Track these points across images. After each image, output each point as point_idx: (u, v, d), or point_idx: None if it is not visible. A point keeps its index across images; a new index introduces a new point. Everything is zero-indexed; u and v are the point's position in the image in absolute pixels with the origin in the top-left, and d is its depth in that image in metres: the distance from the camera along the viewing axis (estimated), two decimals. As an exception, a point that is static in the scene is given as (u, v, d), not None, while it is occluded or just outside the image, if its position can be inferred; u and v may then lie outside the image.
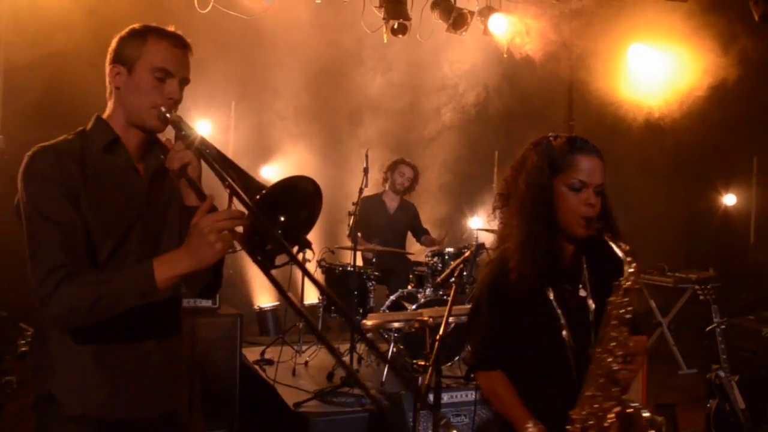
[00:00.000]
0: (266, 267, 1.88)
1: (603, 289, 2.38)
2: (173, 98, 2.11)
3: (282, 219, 1.95)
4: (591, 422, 2.23)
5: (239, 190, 1.88)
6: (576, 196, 2.31)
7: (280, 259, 1.96)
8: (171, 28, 2.18)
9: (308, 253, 6.89)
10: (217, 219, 1.84)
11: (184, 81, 2.16)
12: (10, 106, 6.72)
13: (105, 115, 2.18)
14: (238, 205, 1.86)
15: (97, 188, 2.07)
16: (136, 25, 2.16)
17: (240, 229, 1.88)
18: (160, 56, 2.10)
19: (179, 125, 2.07)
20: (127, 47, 2.12)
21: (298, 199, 1.97)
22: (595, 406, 2.23)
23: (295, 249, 2.02)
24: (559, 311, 2.35)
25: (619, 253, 2.24)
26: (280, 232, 1.96)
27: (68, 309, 1.94)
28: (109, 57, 2.15)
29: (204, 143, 2.05)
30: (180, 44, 2.16)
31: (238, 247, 1.90)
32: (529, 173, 2.37)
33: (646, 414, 2.23)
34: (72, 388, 2.08)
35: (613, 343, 2.23)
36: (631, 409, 2.23)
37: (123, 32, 2.16)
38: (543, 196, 2.33)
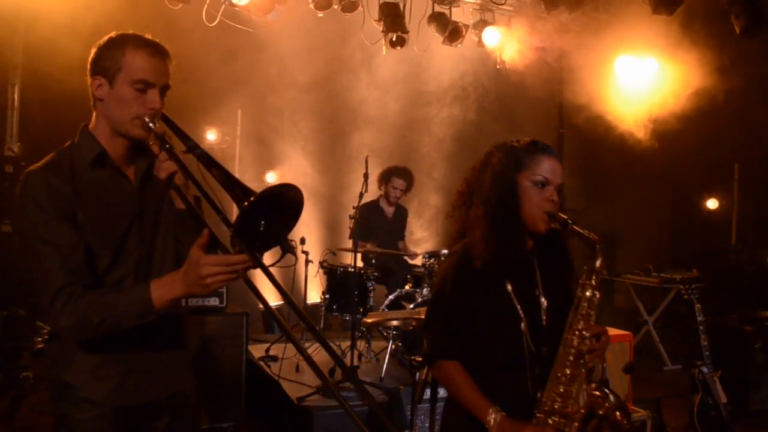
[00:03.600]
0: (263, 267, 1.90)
1: (553, 286, 2.38)
2: (154, 108, 2.07)
3: (264, 224, 1.92)
4: (559, 403, 2.20)
5: (220, 209, 1.89)
6: (540, 192, 2.31)
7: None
8: (148, 36, 2.13)
9: (311, 254, 6.90)
10: (215, 265, 1.88)
11: (165, 88, 2.12)
12: (28, 114, 6.73)
13: (91, 125, 2.16)
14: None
15: (89, 201, 2.07)
16: (113, 34, 2.11)
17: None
18: (139, 68, 2.06)
19: (162, 137, 2.04)
20: (106, 59, 2.08)
21: (283, 207, 1.93)
22: (563, 388, 2.20)
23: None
24: (518, 305, 2.31)
25: (587, 239, 2.22)
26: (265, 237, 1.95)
27: (75, 329, 1.99)
28: (89, 68, 2.11)
29: (193, 150, 2.04)
30: (158, 53, 2.10)
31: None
32: (494, 169, 2.35)
33: (611, 397, 2.18)
34: (83, 379, 2.11)
35: (582, 324, 2.22)
36: (598, 392, 2.20)
37: (101, 42, 2.11)
38: (508, 190, 2.31)
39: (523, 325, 2.29)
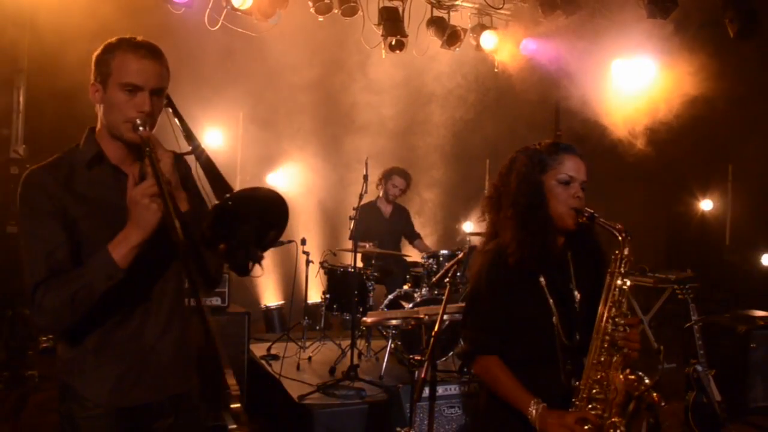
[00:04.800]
0: (239, 272, 1.92)
1: (587, 281, 2.43)
2: (143, 111, 2.04)
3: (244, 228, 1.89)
4: (596, 389, 2.24)
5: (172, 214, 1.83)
6: (565, 189, 2.37)
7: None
8: (140, 38, 2.11)
9: (311, 254, 6.90)
10: (141, 187, 1.91)
11: (157, 91, 2.09)
12: (33, 117, 6.73)
13: (96, 128, 2.18)
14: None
15: (87, 200, 2.09)
16: (111, 40, 2.11)
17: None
18: (127, 71, 2.04)
19: (146, 142, 2.00)
20: (101, 64, 2.09)
21: (264, 216, 1.91)
22: (600, 375, 2.24)
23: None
24: (550, 299, 2.36)
25: (613, 231, 2.29)
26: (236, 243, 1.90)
27: (52, 313, 1.98)
28: (91, 74, 2.13)
29: (194, 152, 2.03)
30: (148, 54, 2.07)
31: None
32: (520, 172, 2.41)
33: (646, 380, 2.22)
34: (82, 379, 2.13)
35: (614, 311, 2.28)
36: (634, 376, 2.23)
37: (99, 48, 2.12)
38: (534, 191, 2.37)
39: (555, 318, 2.35)
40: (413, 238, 7.40)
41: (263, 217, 1.89)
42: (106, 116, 2.11)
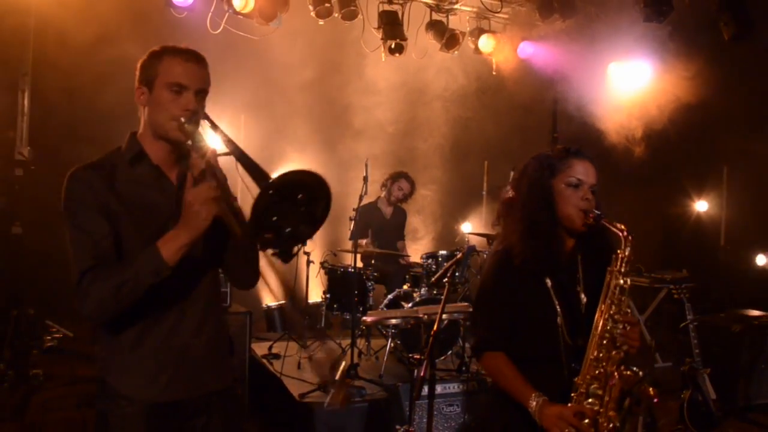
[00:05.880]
0: (284, 258, 1.94)
1: (595, 284, 2.43)
2: (189, 109, 2.13)
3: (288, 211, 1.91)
4: (594, 385, 2.27)
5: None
6: (574, 192, 2.39)
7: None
8: (183, 45, 2.21)
9: (312, 255, 6.92)
10: (197, 191, 1.96)
11: (201, 92, 2.19)
12: (38, 119, 6.73)
13: (138, 132, 2.24)
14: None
15: (128, 197, 2.14)
16: (156, 47, 2.20)
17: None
18: (174, 72, 2.14)
19: (194, 136, 2.09)
20: (147, 69, 2.18)
21: (307, 192, 1.93)
22: (599, 371, 2.27)
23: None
24: (555, 300, 2.39)
25: (617, 230, 2.31)
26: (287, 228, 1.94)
27: (98, 302, 2.01)
28: (136, 80, 2.21)
29: (234, 153, 2.04)
30: (193, 58, 2.19)
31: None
32: (530, 177, 2.46)
33: (640, 374, 2.26)
34: (118, 375, 2.17)
35: (613, 308, 2.30)
36: (629, 372, 2.26)
37: (144, 55, 2.20)
38: (544, 194, 2.41)
39: (559, 319, 2.38)
40: (399, 238, 7.43)
41: (306, 194, 1.92)
42: (152, 116, 2.18)
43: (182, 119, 2.11)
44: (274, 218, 1.88)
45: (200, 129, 2.12)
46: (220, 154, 2.08)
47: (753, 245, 8.21)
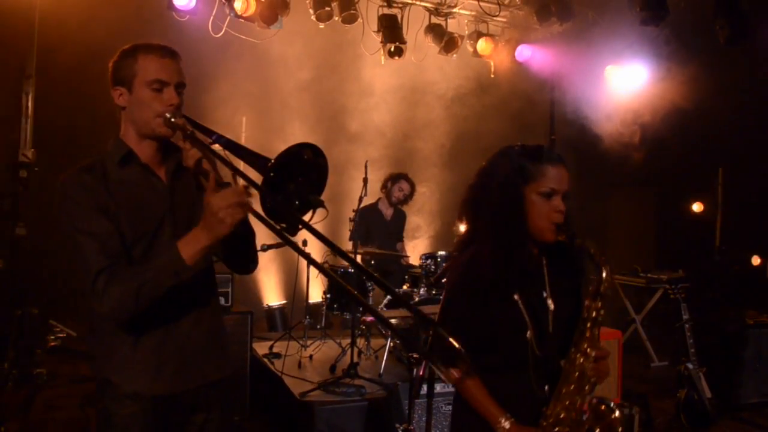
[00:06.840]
0: (291, 232, 1.99)
1: (561, 289, 2.34)
2: (173, 103, 2.12)
3: (293, 186, 1.98)
4: (563, 416, 2.17)
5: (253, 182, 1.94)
6: (547, 203, 2.24)
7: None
8: (155, 41, 2.18)
9: (312, 255, 6.93)
10: (223, 197, 1.90)
11: (180, 85, 2.16)
12: (41, 121, 6.74)
13: (120, 133, 2.21)
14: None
15: (121, 197, 2.12)
16: (125, 47, 2.17)
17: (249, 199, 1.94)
18: (152, 69, 2.11)
19: (183, 127, 2.08)
20: (121, 69, 2.14)
21: (304, 164, 1.99)
22: (568, 402, 2.18)
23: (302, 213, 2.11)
24: (525, 314, 2.25)
25: (595, 256, 2.17)
26: (296, 201, 2.02)
27: (118, 303, 1.99)
28: (109, 81, 2.17)
29: (218, 141, 2.08)
30: (168, 54, 2.16)
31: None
32: (500, 183, 2.29)
33: (616, 412, 2.20)
34: (121, 371, 2.15)
35: (586, 344, 2.18)
36: (603, 406, 2.21)
37: (115, 56, 2.17)
38: (515, 204, 2.25)
39: (529, 333, 2.24)
40: (399, 240, 7.43)
41: (308, 165, 1.99)
42: (135, 116, 2.15)
43: (167, 114, 2.10)
44: (280, 195, 1.94)
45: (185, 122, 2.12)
46: (210, 143, 2.10)
47: (748, 245, 8.20)
